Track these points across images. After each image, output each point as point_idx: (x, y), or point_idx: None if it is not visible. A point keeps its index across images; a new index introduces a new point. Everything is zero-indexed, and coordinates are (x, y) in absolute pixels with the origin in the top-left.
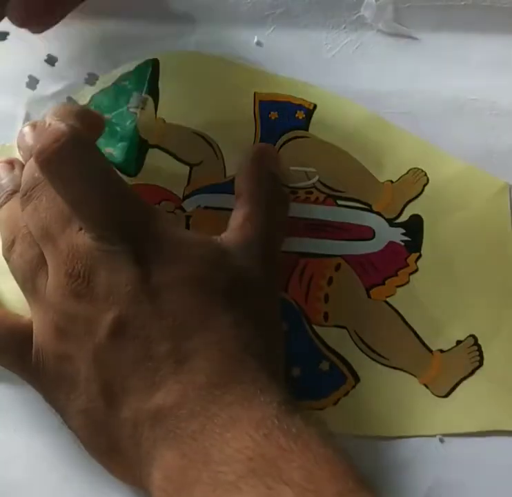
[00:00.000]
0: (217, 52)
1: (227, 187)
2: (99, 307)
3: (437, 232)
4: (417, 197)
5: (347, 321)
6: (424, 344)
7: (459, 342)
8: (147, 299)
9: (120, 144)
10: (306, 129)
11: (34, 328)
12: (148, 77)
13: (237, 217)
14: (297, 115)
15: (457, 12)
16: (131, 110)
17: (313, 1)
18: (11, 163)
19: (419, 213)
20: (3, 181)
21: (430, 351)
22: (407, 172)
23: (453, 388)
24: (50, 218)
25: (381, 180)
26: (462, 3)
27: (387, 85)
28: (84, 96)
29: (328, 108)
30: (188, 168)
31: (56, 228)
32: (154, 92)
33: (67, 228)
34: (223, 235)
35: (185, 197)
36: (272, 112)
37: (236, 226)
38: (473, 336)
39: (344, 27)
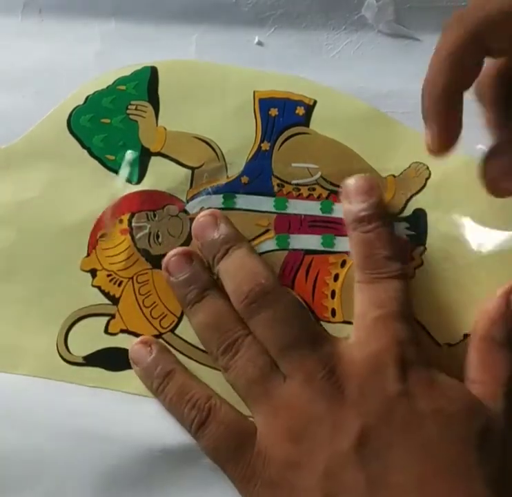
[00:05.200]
0: (217, 53)
1: (229, 187)
2: (347, 413)
3: (441, 225)
4: (420, 190)
5: None
6: (431, 337)
7: (466, 336)
8: (401, 419)
9: (122, 152)
10: (307, 125)
11: (259, 430)
12: (146, 84)
13: (475, 364)
14: (297, 111)
15: None
16: (131, 117)
17: (314, 1)
18: (188, 255)
19: (423, 207)
20: (187, 276)
21: (439, 344)
22: (409, 166)
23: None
24: (292, 331)
25: (384, 175)
26: (463, 4)
27: (388, 86)
28: (80, 96)
29: (328, 104)
30: (190, 171)
31: (305, 342)
32: (154, 100)
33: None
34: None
35: (189, 200)
36: (271, 109)
37: (477, 374)
38: None
39: (345, 28)
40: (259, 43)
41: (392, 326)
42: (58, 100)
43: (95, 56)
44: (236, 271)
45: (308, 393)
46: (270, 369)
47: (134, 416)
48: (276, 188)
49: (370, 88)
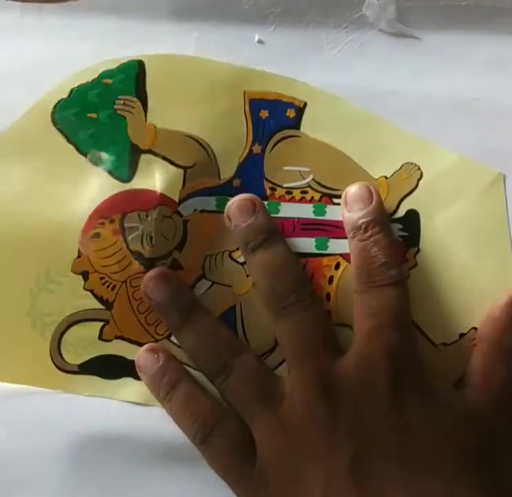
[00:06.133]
0: (217, 50)
1: (222, 190)
2: (341, 433)
3: (434, 226)
4: (412, 191)
5: (350, 319)
6: (427, 338)
7: (462, 335)
8: (393, 436)
9: (111, 149)
10: (298, 128)
11: (258, 447)
12: (134, 79)
13: (478, 370)
14: (287, 114)
15: (459, 12)
16: (119, 112)
17: None
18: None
19: (415, 208)
20: (167, 299)
21: (435, 344)
22: (401, 167)
23: (459, 383)
24: (307, 340)
25: (375, 176)
26: (464, 2)
27: (388, 85)
28: (63, 89)
29: (319, 106)
30: (182, 171)
31: (314, 352)
32: (142, 95)
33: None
34: (465, 389)
35: (181, 201)
36: (262, 111)
37: (479, 381)
38: (475, 329)
39: (346, 27)
40: (260, 41)
41: (384, 337)
42: None
43: (94, 53)
44: (273, 270)
45: (303, 412)
46: (265, 388)
47: (134, 416)
48: (268, 192)
49: (370, 87)
